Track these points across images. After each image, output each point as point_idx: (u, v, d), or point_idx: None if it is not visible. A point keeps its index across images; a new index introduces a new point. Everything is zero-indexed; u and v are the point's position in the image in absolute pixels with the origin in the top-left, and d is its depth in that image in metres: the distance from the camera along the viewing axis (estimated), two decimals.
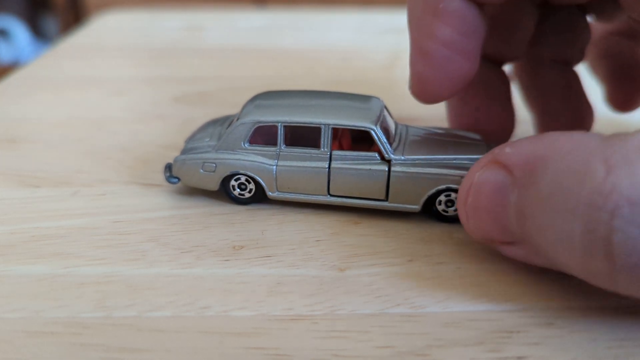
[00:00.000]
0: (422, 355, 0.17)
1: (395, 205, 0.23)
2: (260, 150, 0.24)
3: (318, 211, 0.24)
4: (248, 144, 0.24)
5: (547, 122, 0.28)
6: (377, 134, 0.23)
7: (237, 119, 0.24)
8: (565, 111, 0.27)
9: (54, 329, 0.18)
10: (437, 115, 0.29)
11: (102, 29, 0.57)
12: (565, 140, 0.17)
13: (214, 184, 0.24)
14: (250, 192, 0.24)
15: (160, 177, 0.27)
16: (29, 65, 0.45)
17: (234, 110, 0.33)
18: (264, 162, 0.24)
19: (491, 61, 0.27)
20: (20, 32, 1.35)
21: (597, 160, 0.15)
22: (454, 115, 0.27)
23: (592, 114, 0.27)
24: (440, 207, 0.23)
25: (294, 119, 0.23)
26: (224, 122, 0.26)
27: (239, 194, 0.24)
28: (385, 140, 0.23)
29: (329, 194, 0.24)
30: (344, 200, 0.24)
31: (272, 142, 0.24)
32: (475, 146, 0.24)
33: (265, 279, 0.20)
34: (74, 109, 0.36)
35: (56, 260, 0.21)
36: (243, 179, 0.24)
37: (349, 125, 0.23)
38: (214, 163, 0.24)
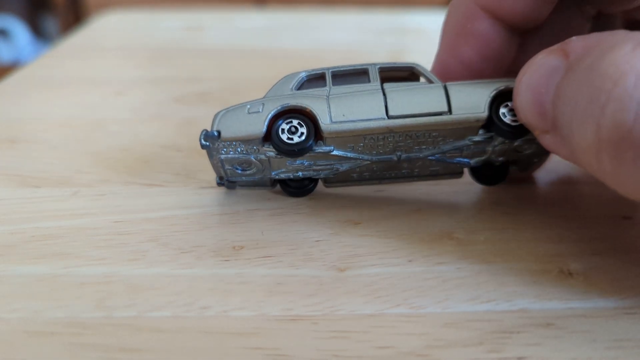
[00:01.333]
0: (422, 355, 0.17)
1: (461, 115, 0.22)
2: (310, 91, 0.22)
3: (318, 212, 0.24)
4: (296, 90, 0.23)
5: None
6: (422, 68, 0.23)
7: (282, 79, 0.23)
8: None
9: (54, 329, 0.18)
10: None
11: (102, 29, 0.57)
12: (622, 33, 0.17)
13: (260, 125, 0.22)
14: (300, 135, 0.22)
15: (160, 177, 0.27)
16: (29, 65, 0.45)
17: None
18: (315, 94, 0.22)
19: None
20: (20, 32, 1.35)
21: (630, 40, 0.16)
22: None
23: None
24: (507, 118, 0.21)
25: (342, 67, 0.23)
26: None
27: (288, 138, 0.22)
28: (430, 73, 0.23)
29: (387, 116, 0.22)
30: (405, 121, 0.22)
31: (322, 86, 0.23)
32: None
33: (265, 279, 0.20)
34: (74, 109, 0.36)
35: (56, 261, 0.21)
36: (295, 122, 0.22)
37: (394, 66, 0.23)
38: (262, 103, 0.22)
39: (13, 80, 0.41)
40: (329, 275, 0.20)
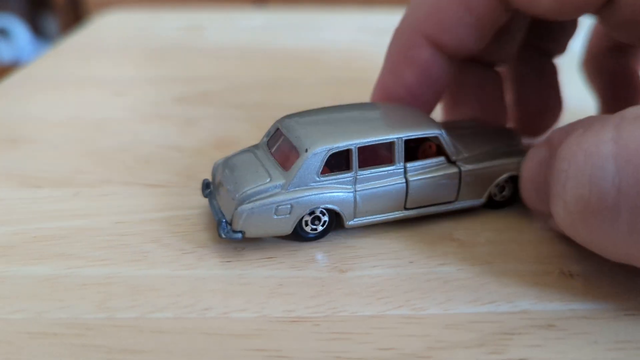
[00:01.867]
0: (423, 357, 0.17)
1: (463, 203, 0.23)
2: (335, 179, 0.22)
3: None
4: (321, 175, 0.21)
5: (517, 109, 0.29)
6: (445, 138, 0.23)
7: (306, 150, 0.21)
8: (534, 99, 0.28)
9: (56, 330, 0.18)
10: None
11: (102, 29, 0.57)
12: (591, 117, 0.19)
13: (288, 227, 0.21)
14: (324, 224, 0.22)
15: (162, 177, 0.27)
16: (30, 65, 0.45)
17: (234, 109, 0.33)
18: (342, 191, 0.22)
19: (484, 63, 0.27)
20: (20, 31, 1.35)
21: (583, 126, 0.18)
22: (449, 114, 0.29)
23: (560, 104, 0.29)
24: (497, 196, 0.24)
25: (367, 140, 0.21)
26: (257, 156, 0.23)
27: (312, 230, 0.22)
28: (450, 143, 0.23)
29: (404, 208, 0.23)
30: (419, 211, 0.23)
31: (346, 167, 0.22)
32: (503, 131, 0.26)
33: (266, 280, 0.20)
34: (75, 109, 0.36)
35: (58, 261, 0.21)
36: (318, 211, 0.22)
37: (420, 135, 0.22)
38: (289, 204, 0.21)
39: (14, 80, 0.41)
40: (331, 276, 0.20)
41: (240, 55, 0.48)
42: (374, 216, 0.22)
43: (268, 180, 0.21)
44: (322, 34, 0.54)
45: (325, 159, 0.21)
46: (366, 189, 0.22)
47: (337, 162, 0.22)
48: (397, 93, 0.25)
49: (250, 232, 0.21)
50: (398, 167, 0.22)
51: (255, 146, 0.24)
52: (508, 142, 0.25)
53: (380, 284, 0.20)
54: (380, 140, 0.22)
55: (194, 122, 0.34)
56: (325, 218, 0.22)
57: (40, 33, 1.45)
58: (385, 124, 0.23)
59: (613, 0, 0.20)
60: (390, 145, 0.22)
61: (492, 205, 0.24)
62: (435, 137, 0.23)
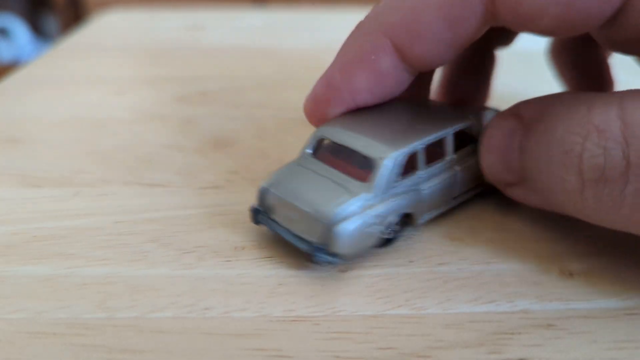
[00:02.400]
0: (423, 356, 0.17)
1: (483, 186, 0.24)
2: (410, 182, 0.22)
3: None
4: (398, 180, 0.21)
5: (446, 89, 0.30)
6: (477, 124, 0.24)
7: (381, 158, 0.21)
8: (466, 85, 0.29)
9: (56, 330, 0.18)
10: None
11: (102, 29, 0.57)
12: (568, 94, 0.21)
13: (377, 238, 0.21)
14: (396, 230, 0.22)
15: (162, 177, 0.27)
16: (30, 65, 0.45)
17: (234, 109, 0.33)
18: (415, 192, 0.22)
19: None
20: (20, 31, 1.35)
21: (584, 104, 0.19)
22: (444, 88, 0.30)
23: (487, 95, 0.30)
24: None
25: (428, 138, 0.22)
26: (319, 170, 0.22)
27: (387, 234, 0.21)
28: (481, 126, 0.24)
29: (453, 198, 0.24)
30: (459, 200, 0.24)
31: (410, 168, 0.21)
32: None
33: (266, 280, 0.20)
34: (75, 108, 0.36)
35: (58, 261, 0.21)
36: (394, 222, 0.21)
37: (464, 126, 0.23)
38: (383, 215, 0.21)
39: (14, 79, 0.41)
40: (331, 276, 0.20)
41: (241, 55, 0.48)
42: (435, 210, 0.23)
43: (348, 194, 0.20)
44: (322, 34, 0.54)
45: (402, 163, 0.21)
46: (432, 186, 0.22)
47: (408, 166, 0.21)
48: (341, 95, 0.23)
49: (352, 251, 0.20)
50: (451, 159, 0.23)
51: (299, 160, 0.23)
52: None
53: (379, 283, 0.20)
54: (439, 136, 0.22)
55: (194, 122, 0.34)
56: (399, 225, 0.22)
57: (40, 33, 1.45)
58: (430, 120, 0.23)
59: (618, 17, 0.19)
60: (441, 141, 0.22)
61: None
62: (472, 124, 0.23)
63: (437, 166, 0.22)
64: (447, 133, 0.22)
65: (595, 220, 0.19)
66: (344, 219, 0.20)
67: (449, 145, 0.23)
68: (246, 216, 0.24)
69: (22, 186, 0.26)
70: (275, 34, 0.55)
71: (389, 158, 0.21)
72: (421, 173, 0.22)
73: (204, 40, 0.53)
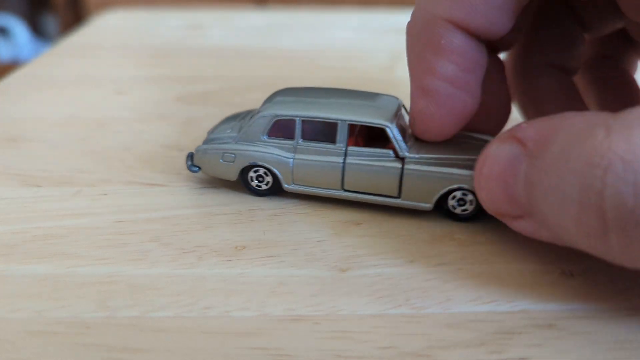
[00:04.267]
0: (423, 356, 0.17)
1: (408, 202, 0.23)
2: (278, 143, 0.24)
3: (319, 212, 0.24)
4: (267, 136, 0.24)
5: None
6: (392, 131, 0.23)
7: (258, 113, 0.25)
8: (493, 97, 0.27)
9: (56, 329, 0.18)
10: None
11: (102, 28, 0.57)
12: (576, 116, 0.18)
13: (232, 174, 0.25)
14: (267, 184, 0.25)
15: (162, 177, 0.27)
16: (30, 64, 0.45)
17: (234, 109, 0.33)
18: (281, 154, 0.24)
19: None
20: (20, 30, 1.35)
21: (600, 126, 0.16)
22: None
23: (509, 108, 0.27)
24: (451, 203, 0.23)
25: (312, 114, 0.24)
26: (245, 116, 0.27)
27: (257, 186, 0.25)
28: (400, 138, 0.23)
29: (342, 188, 0.24)
30: (357, 195, 0.24)
31: (290, 135, 0.24)
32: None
33: (267, 279, 0.20)
34: (76, 108, 0.36)
35: (58, 260, 0.21)
36: (261, 171, 0.25)
37: (364, 122, 0.23)
38: (233, 154, 0.25)
39: (14, 79, 0.41)
40: (331, 275, 0.20)
41: (241, 55, 0.48)
42: (311, 187, 0.24)
43: (229, 131, 0.26)
44: (322, 34, 0.54)
45: (271, 122, 0.24)
46: (303, 159, 0.24)
47: (287, 132, 0.24)
48: (439, 89, 0.22)
49: (205, 169, 0.25)
50: (339, 147, 0.24)
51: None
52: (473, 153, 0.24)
53: (380, 282, 0.20)
54: (324, 118, 0.24)
55: (194, 122, 0.34)
56: (269, 179, 0.25)
57: (40, 32, 1.45)
58: (342, 107, 0.24)
59: None
60: (335, 126, 0.24)
61: (452, 216, 0.24)
62: (382, 129, 0.23)
63: (318, 145, 0.24)
64: (335, 119, 0.23)
65: (623, 264, 0.17)
66: (207, 144, 0.26)
67: (341, 134, 0.23)
68: (246, 216, 0.24)
69: (22, 186, 0.26)
70: (275, 34, 0.55)
71: (261, 113, 0.24)
72: (294, 142, 0.24)
73: (204, 40, 0.53)
